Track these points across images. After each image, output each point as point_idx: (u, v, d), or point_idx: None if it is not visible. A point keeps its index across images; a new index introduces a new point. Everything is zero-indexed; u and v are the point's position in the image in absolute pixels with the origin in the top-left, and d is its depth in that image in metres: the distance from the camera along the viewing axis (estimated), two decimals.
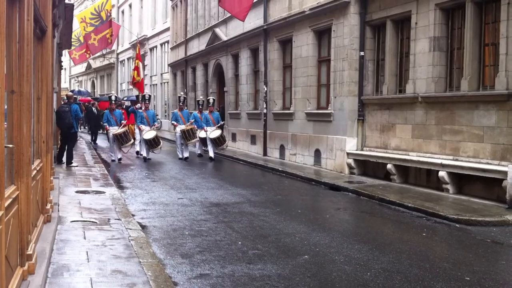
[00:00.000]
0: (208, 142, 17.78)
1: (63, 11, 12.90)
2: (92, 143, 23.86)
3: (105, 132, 26.68)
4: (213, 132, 17.69)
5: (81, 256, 5.83)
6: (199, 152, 18.66)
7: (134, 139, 18.48)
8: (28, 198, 4.93)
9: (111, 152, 17.15)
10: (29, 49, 4.98)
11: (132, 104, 24.95)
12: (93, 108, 27.14)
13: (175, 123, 18.10)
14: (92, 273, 5.26)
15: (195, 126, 17.82)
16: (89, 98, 35.66)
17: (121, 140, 16.42)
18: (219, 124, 18.31)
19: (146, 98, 18.56)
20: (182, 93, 22.01)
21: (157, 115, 26.15)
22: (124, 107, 23.83)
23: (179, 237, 7.32)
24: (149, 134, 17.08)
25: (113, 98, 17.61)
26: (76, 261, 5.65)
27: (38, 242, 5.78)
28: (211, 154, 17.67)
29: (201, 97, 20.67)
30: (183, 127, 17.58)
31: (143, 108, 18.42)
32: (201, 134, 17.92)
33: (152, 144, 16.93)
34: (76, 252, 5.99)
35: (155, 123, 18.12)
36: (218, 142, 17.66)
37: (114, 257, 5.86)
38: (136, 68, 20.37)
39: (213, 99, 19.26)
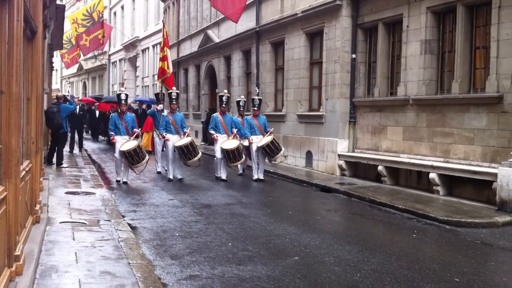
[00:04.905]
0: (254, 156, 13.35)
1: (54, 12, 12.85)
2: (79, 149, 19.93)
3: (106, 140, 25.03)
4: (263, 140, 13.24)
5: (70, 257, 5.79)
6: (240, 171, 14.22)
7: (152, 150, 14.85)
8: (16, 199, 4.90)
9: (116, 170, 12.84)
10: (19, 50, 4.94)
11: (139, 106, 22.83)
12: (97, 112, 26.45)
13: (215, 134, 13.38)
14: (81, 274, 5.23)
15: (239, 141, 13.08)
16: (91, 99, 32.19)
17: (130, 159, 12.11)
18: (268, 132, 13.42)
19: (173, 97, 13.57)
20: (225, 90, 15.49)
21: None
22: (134, 109, 21.28)
23: (169, 238, 7.29)
24: (182, 140, 12.83)
25: (123, 96, 12.91)
26: (64, 262, 5.61)
27: (26, 243, 5.74)
28: (258, 174, 13.25)
29: (243, 96, 15.75)
30: (225, 140, 13.10)
31: (167, 111, 13.84)
32: (245, 143, 13.52)
33: (187, 152, 12.56)
34: (64, 253, 5.96)
35: (185, 129, 13.36)
36: (270, 151, 13.03)
37: (103, 258, 5.83)
38: (166, 58, 15.61)
39: (259, 99, 14.25)
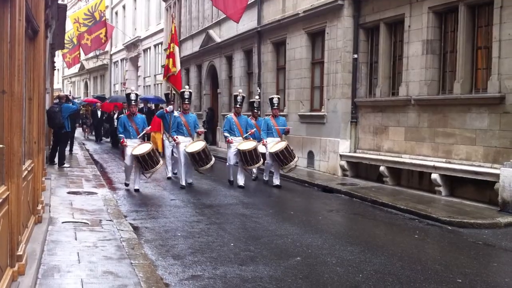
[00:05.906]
0: (268, 160, 12.50)
1: (56, 12, 12.84)
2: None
3: (111, 141, 24.78)
4: (276, 145, 12.27)
5: (72, 257, 5.79)
6: (254, 176, 13.51)
7: (162, 153, 13.95)
8: (18, 199, 4.90)
9: (126, 174, 11.81)
10: (21, 49, 4.94)
11: (144, 105, 21.96)
12: (98, 111, 26.29)
13: (230, 137, 12.39)
14: (83, 274, 5.23)
15: (256, 142, 12.27)
16: (94, 99, 31.47)
17: (144, 163, 11.05)
18: (285, 132, 12.79)
19: (186, 96, 12.44)
20: (240, 90, 14.31)
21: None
22: (139, 108, 19.64)
23: (171, 238, 7.29)
24: (194, 145, 11.76)
25: (132, 97, 11.74)
26: (67, 262, 5.61)
27: (28, 243, 5.74)
28: (276, 180, 12.33)
29: (257, 97, 15.17)
30: (240, 142, 12.28)
31: (179, 112, 12.83)
32: (261, 148, 12.43)
33: (199, 159, 11.59)
34: (67, 253, 5.95)
35: (198, 129, 12.51)
36: (283, 158, 12.03)
37: (105, 258, 5.83)
38: (172, 55, 14.26)
39: (278, 97, 13.30)
